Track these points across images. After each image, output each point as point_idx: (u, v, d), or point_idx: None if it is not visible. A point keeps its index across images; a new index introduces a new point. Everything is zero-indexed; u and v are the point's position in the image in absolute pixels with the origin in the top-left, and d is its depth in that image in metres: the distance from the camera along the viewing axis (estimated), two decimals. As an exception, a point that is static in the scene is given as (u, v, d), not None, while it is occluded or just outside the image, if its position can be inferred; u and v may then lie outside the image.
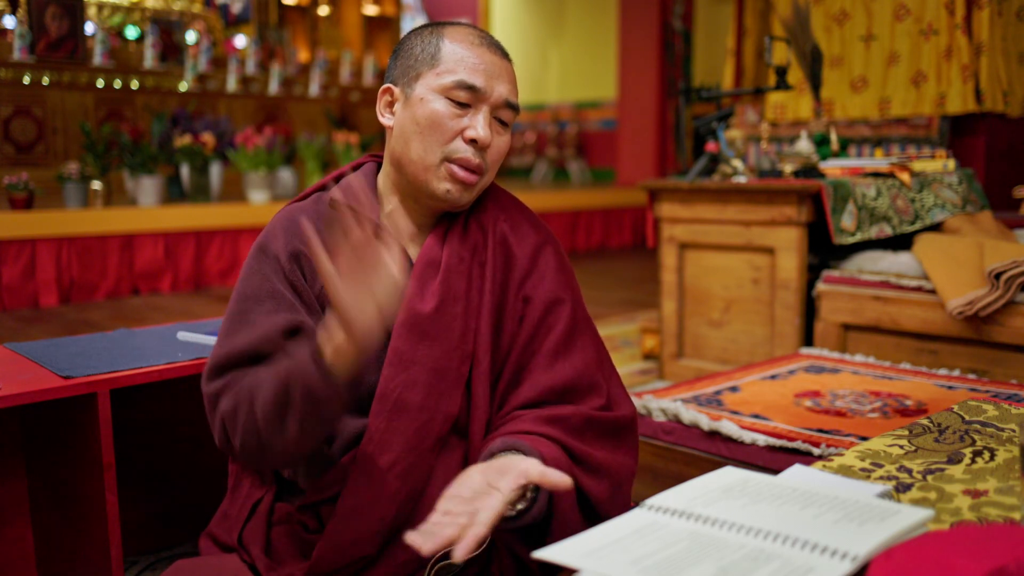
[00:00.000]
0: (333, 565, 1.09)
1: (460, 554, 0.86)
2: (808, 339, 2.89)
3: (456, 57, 1.13)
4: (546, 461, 1.05)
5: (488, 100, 1.14)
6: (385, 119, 1.19)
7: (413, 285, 1.15)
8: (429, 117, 1.13)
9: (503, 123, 1.17)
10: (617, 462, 1.15)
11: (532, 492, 1.02)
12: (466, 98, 1.13)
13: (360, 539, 1.08)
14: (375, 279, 0.93)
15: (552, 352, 1.17)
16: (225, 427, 1.08)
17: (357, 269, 0.92)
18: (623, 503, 1.19)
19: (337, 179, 1.25)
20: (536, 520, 1.03)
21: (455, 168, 1.13)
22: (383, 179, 1.22)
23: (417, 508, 1.11)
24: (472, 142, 1.13)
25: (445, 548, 0.87)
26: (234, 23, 8.23)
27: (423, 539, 0.87)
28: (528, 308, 1.18)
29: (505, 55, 1.18)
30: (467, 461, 1.15)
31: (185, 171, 5.93)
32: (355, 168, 1.27)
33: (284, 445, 1.03)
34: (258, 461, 1.10)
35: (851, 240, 2.79)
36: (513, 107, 1.17)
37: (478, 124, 1.13)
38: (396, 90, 1.18)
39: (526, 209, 1.27)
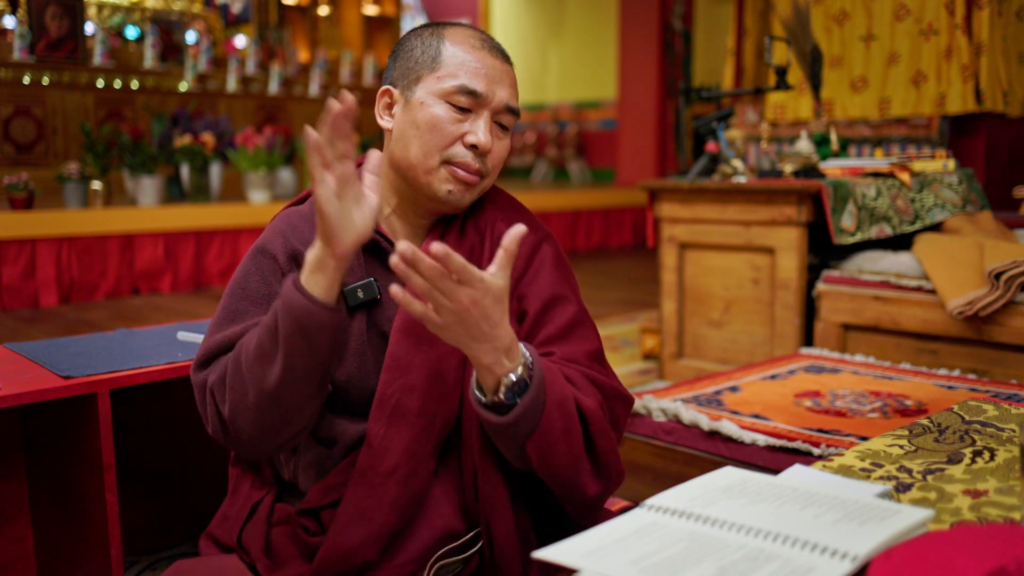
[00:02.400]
0: (334, 570, 1.09)
1: (438, 249, 0.89)
2: (808, 339, 2.89)
3: (457, 61, 1.12)
4: (543, 367, 1.01)
5: (489, 105, 1.13)
6: (384, 121, 1.18)
7: (409, 289, 1.14)
8: (429, 122, 1.11)
9: (503, 127, 1.16)
10: (605, 410, 1.10)
11: (528, 368, 0.99)
12: (467, 103, 1.12)
13: (361, 546, 1.08)
14: (357, 196, 0.98)
15: (549, 340, 1.14)
16: (213, 396, 1.08)
17: (343, 181, 0.96)
18: (617, 475, 1.13)
19: None
20: (535, 404, 0.98)
21: (456, 169, 1.13)
22: (381, 181, 1.21)
23: (418, 513, 1.11)
24: (472, 147, 1.12)
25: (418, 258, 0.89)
26: (234, 23, 8.23)
27: (403, 246, 0.90)
28: (524, 305, 1.17)
29: (506, 58, 1.17)
30: (461, 464, 1.14)
31: (185, 171, 5.93)
32: None
33: (273, 393, 1.01)
34: (250, 430, 1.06)
35: (851, 240, 2.79)
36: (514, 111, 1.16)
37: (479, 130, 1.12)
38: (395, 92, 1.16)
39: (524, 209, 1.27)
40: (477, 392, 1.01)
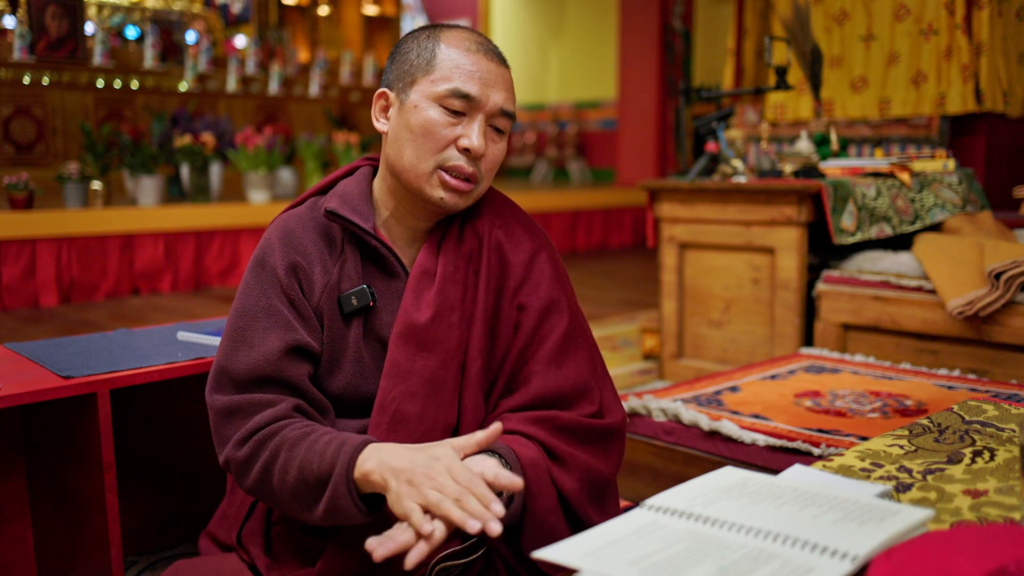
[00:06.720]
0: (337, 574, 1.09)
1: (410, 562, 0.88)
2: (808, 339, 2.89)
3: (452, 64, 1.12)
4: (522, 461, 1.05)
5: (483, 109, 1.12)
6: (380, 124, 1.18)
7: (409, 295, 1.14)
8: (423, 125, 1.11)
9: (499, 131, 1.16)
10: (595, 465, 1.15)
11: (508, 493, 1.03)
12: (460, 106, 1.11)
13: (362, 555, 1.08)
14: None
15: (546, 360, 1.16)
16: (230, 466, 1.10)
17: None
18: (612, 508, 1.18)
19: (332, 184, 1.24)
20: (513, 519, 1.04)
21: (447, 177, 1.12)
22: (379, 184, 1.21)
23: None
24: (465, 151, 1.12)
25: (398, 553, 0.89)
26: (234, 23, 8.23)
27: (378, 543, 0.89)
28: (523, 316, 1.17)
29: (502, 61, 1.16)
30: None
31: (185, 171, 5.94)
32: (350, 172, 1.26)
33: (296, 516, 1.07)
34: (267, 503, 1.13)
35: (851, 240, 2.79)
36: (509, 115, 1.15)
37: (472, 133, 1.11)
38: (391, 95, 1.16)
39: (522, 214, 1.26)
40: None
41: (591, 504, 1.13)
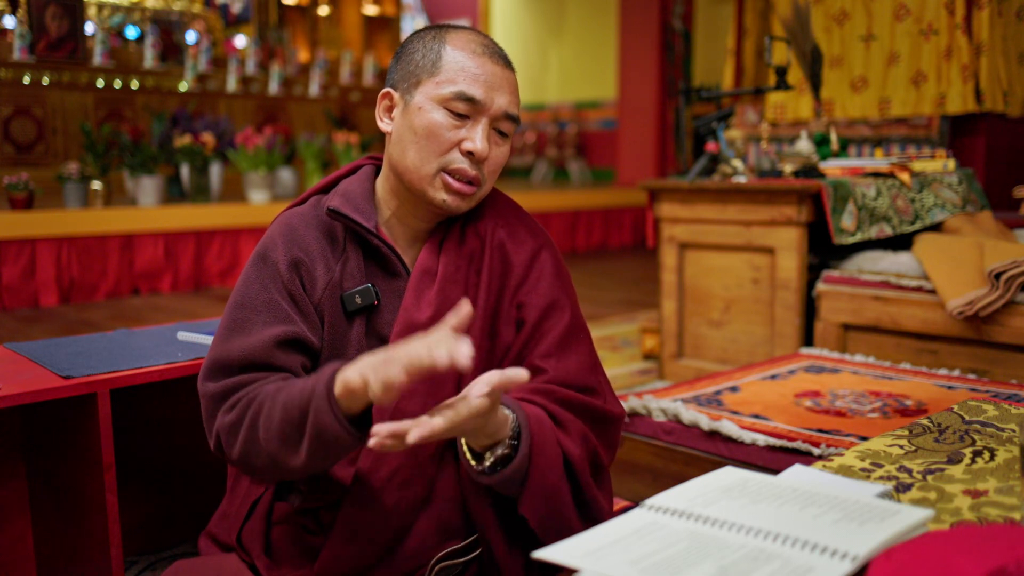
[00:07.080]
0: (336, 574, 1.09)
1: (412, 437, 0.88)
2: (808, 339, 2.89)
3: (457, 66, 1.11)
4: (529, 416, 1.05)
5: (487, 112, 1.12)
6: (384, 124, 1.18)
7: (410, 295, 1.15)
8: (427, 127, 1.11)
9: (502, 134, 1.15)
10: (595, 442, 1.14)
11: (513, 439, 1.02)
12: (465, 109, 1.11)
13: (362, 550, 1.08)
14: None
15: (545, 355, 1.16)
16: (220, 437, 1.08)
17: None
18: (608, 494, 1.17)
19: (335, 182, 1.25)
20: (518, 474, 1.02)
21: (450, 180, 1.12)
22: (382, 183, 1.21)
23: (418, 517, 1.11)
24: (469, 154, 1.12)
25: (397, 433, 0.88)
26: (234, 23, 8.23)
27: (380, 426, 0.89)
28: (524, 313, 1.18)
29: (508, 64, 1.16)
30: (459, 465, 1.14)
31: (185, 171, 5.94)
32: (353, 171, 1.26)
33: (285, 469, 1.04)
34: (255, 474, 1.11)
35: (851, 240, 2.79)
36: (513, 119, 1.15)
37: (476, 136, 1.11)
38: (396, 95, 1.16)
39: (524, 214, 1.27)
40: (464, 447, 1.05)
41: (592, 477, 1.12)
